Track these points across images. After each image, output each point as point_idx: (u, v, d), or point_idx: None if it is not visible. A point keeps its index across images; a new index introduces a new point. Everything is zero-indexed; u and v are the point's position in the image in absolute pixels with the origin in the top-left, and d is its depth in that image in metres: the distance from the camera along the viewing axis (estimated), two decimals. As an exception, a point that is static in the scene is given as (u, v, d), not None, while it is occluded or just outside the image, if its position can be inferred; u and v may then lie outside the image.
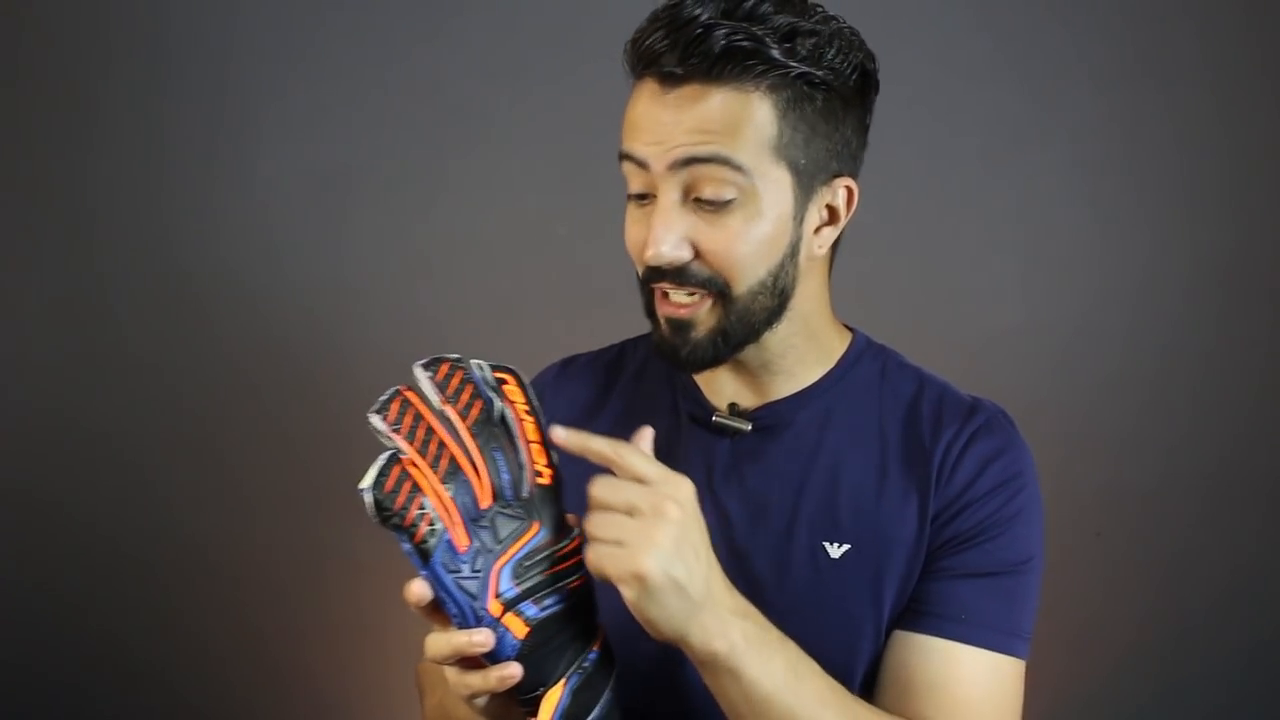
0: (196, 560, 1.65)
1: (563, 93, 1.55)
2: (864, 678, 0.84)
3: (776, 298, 0.80)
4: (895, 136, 1.52)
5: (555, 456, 0.68)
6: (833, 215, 0.81)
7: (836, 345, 0.88)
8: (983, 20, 1.52)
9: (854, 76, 0.78)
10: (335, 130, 1.59)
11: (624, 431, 0.87)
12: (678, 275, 0.77)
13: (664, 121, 0.74)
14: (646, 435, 0.72)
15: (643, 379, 0.93)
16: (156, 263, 1.61)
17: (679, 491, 0.67)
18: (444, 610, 0.64)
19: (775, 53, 0.73)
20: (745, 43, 0.72)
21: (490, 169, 1.58)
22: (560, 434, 0.68)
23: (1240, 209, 1.52)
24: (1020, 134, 1.53)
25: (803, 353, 0.85)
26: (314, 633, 1.64)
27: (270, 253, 1.61)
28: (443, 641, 0.65)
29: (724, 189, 0.75)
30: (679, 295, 0.79)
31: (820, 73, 0.75)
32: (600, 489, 0.67)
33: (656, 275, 0.78)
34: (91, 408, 1.63)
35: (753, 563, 0.83)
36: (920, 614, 0.81)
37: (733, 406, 0.86)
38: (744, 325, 0.79)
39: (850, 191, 0.82)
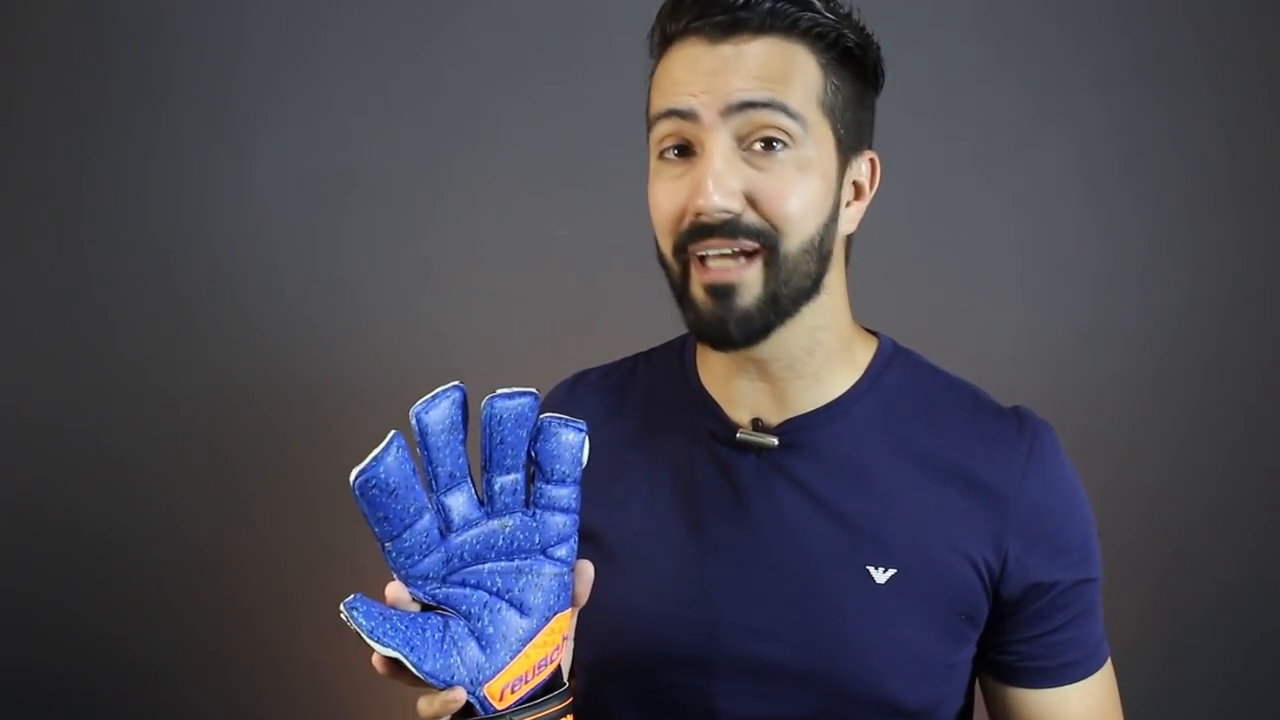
0: (196, 562, 1.65)
1: (563, 94, 1.55)
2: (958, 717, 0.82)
3: (819, 264, 0.76)
4: (895, 136, 1.51)
5: None
6: (858, 192, 0.81)
7: (863, 351, 0.84)
8: (983, 20, 1.51)
9: (877, 56, 0.79)
10: (333, 133, 1.59)
11: (639, 453, 0.84)
12: (727, 229, 0.72)
13: (715, 70, 0.72)
14: None
15: (657, 397, 0.88)
16: (152, 265, 1.61)
17: None
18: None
19: (820, 8, 0.74)
20: None
21: (490, 170, 1.58)
22: None
23: (1240, 209, 1.51)
24: (1020, 134, 1.53)
25: (830, 353, 0.81)
26: (315, 633, 1.63)
27: (267, 255, 1.61)
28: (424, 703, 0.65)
29: (779, 134, 0.72)
30: (723, 261, 0.74)
31: (853, 37, 0.76)
32: None
33: (701, 233, 0.73)
34: (89, 411, 1.63)
35: (790, 591, 0.78)
36: (1041, 670, 0.81)
37: (756, 422, 0.81)
38: (790, 290, 0.75)
39: (874, 164, 0.82)
